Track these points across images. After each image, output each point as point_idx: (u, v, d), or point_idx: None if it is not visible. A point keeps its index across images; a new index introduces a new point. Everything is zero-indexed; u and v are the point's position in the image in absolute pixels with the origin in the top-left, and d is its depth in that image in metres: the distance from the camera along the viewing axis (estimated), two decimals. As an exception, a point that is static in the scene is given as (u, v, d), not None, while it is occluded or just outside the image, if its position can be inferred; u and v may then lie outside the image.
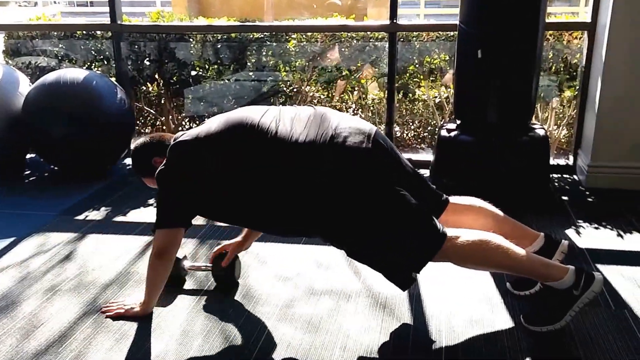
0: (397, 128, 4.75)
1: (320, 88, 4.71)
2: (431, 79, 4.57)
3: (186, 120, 4.95)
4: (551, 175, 3.78)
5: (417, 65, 4.53)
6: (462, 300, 2.27)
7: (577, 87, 3.87)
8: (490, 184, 3.25)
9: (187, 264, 2.50)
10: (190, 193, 2.08)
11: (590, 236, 2.84)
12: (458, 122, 3.46)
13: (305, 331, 2.08)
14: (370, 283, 2.39)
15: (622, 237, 2.83)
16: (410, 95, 4.61)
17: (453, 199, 2.27)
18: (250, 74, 4.80)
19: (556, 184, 3.66)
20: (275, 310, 2.22)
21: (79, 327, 2.13)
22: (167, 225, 2.10)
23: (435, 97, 4.61)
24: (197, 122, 4.82)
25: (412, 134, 4.84)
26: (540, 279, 2.06)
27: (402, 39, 4.43)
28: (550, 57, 4.19)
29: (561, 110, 4.42)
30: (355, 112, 4.76)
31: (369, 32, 4.53)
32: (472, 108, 3.34)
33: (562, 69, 4.22)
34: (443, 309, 2.22)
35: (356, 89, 4.69)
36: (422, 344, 2.01)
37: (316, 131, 1.97)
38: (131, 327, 2.13)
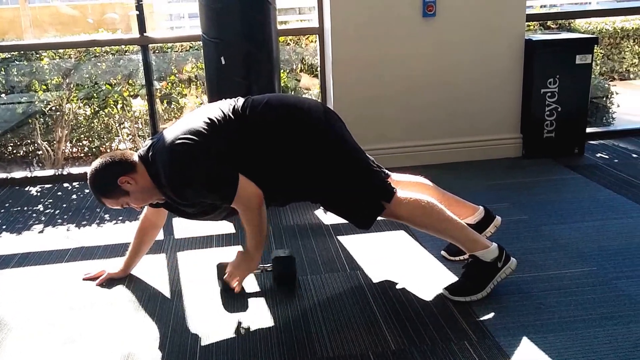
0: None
1: (81, 104, 4.64)
2: (193, 86, 4.77)
3: None
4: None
5: (177, 75, 4.69)
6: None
7: (319, 85, 4.34)
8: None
9: None
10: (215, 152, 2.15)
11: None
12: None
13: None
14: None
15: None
16: (175, 103, 4.76)
17: (394, 175, 2.50)
18: (3, 96, 4.55)
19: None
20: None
21: None
22: (235, 185, 2.13)
23: (202, 103, 4.81)
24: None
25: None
26: (469, 247, 2.30)
27: (157, 50, 4.56)
28: (293, 59, 4.65)
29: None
30: (121, 124, 4.78)
31: (123, 46, 4.58)
32: (225, 111, 3.60)
33: (304, 70, 4.70)
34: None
35: (119, 101, 4.70)
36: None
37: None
38: None
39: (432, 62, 3.90)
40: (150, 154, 2.22)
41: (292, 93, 4.81)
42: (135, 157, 2.25)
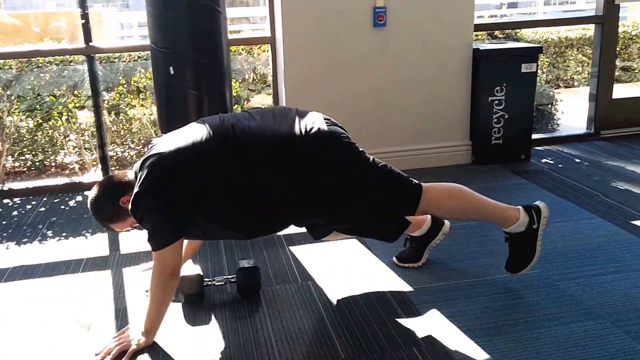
0: (118, 148, 4.78)
1: (23, 117, 4.51)
2: (141, 97, 4.69)
3: None
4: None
5: (125, 85, 4.61)
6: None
7: (272, 94, 4.34)
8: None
9: (206, 279, 2.47)
10: (180, 204, 2.05)
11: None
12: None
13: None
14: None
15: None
16: (123, 115, 4.68)
17: None
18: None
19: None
20: None
21: None
22: (172, 240, 2.04)
23: (152, 114, 4.74)
24: None
25: (133, 153, 4.90)
26: (502, 224, 2.33)
27: (104, 60, 4.48)
28: (246, 68, 4.63)
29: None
30: (66, 136, 4.67)
31: (68, 56, 4.48)
32: (175, 121, 3.55)
33: (257, 79, 4.69)
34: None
35: (64, 113, 4.59)
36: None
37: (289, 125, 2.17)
38: None
39: (383, 71, 3.95)
40: (140, 166, 2.14)
41: (245, 104, 4.79)
42: (131, 175, 2.20)
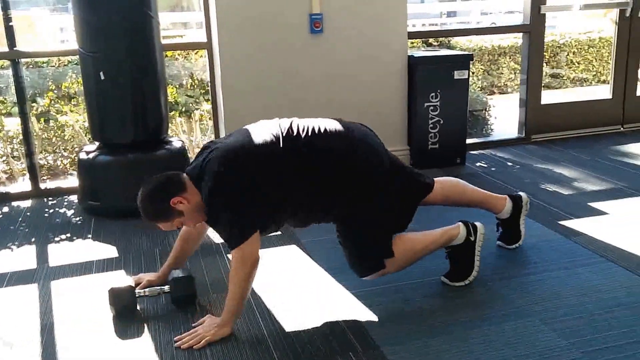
0: (50, 157, 4.61)
1: None
2: (73, 103, 4.55)
3: None
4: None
5: (55, 91, 4.46)
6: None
7: (210, 99, 4.29)
8: (135, 199, 3.40)
9: (138, 291, 2.37)
10: (255, 198, 2.11)
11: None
12: (97, 143, 3.54)
13: None
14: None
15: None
16: (54, 122, 4.51)
17: None
18: None
19: (202, 189, 3.99)
20: None
21: None
22: (250, 234, 2.09)
23: (85, 121, 4.59)
24: None
25: (66, 161, 4.74)
26: (448, 242, 2.46)
27: (32, 65, 4.31)
28: (183, 74, 4.56)
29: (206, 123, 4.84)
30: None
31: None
32: (107, 128, 3.45)
33: (195, 85, 4.62)
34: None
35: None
36: None
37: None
38: None
39: (321, 77, 3.96)
40: (199, 169, 2.18)
41: (182, 109, 4.72)
42: (185, 178, 2.21)
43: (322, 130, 2.25)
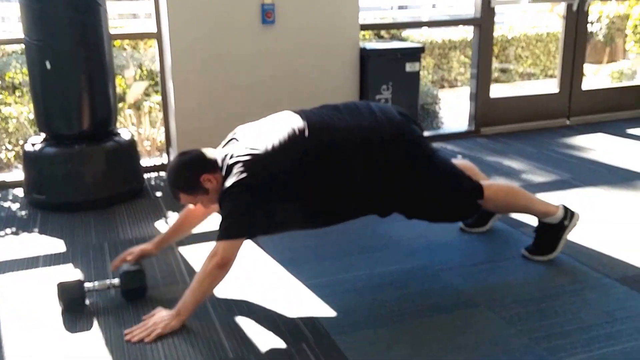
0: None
1: None
2: (17, 94, 4.39)
3: None
4: (148, 175, 4.04)
5: (-3, 81, 4.31)
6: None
7: (160, 91, 4.21)
8: (82, 192, 3.33)
9: (87, 285, 2.29)
10: (265, 209, 2.14)
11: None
12: (43, 135, 3.43)
13: None
14: None
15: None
16: (-3, 113, 4.36)
17: None
18: None
19: (152, 182, 3.92)
20: None
21: None
22: (235, 236, 2.10)
23: (30, 112, 4.44)
24: None
25: (12, 154, 4.58)
26: (543, 216, 2.56)
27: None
28: (131, 65, 4.46)
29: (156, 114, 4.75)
30: None
31: None
32: (53, 119, 3.35)
33: (145, 76, 4.53)
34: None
35: None
36: None
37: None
38: None
39: (273, 68, 3.94)
40: (227, 160, 2.20)
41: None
42: (217, 156, 2.26)
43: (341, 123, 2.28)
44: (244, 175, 2.11)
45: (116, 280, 2.35)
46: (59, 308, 2.27)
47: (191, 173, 2.22)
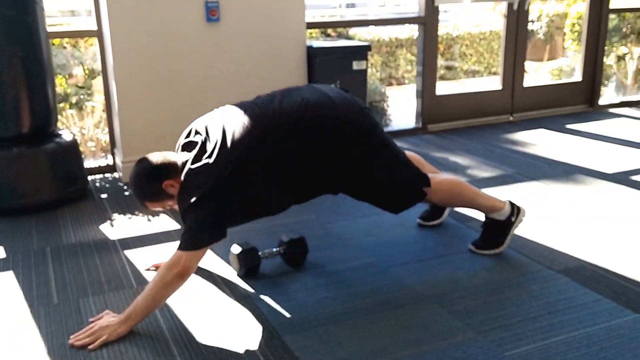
0: None
1: None
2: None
3: None
4: (93, 176, 3.93)
5: None
6: None
7: (103, 89, 4.09)
8: (22, 196, 3.20)
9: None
10: (228, 213, 2.16)
11: (122, 227, 3.08)
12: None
13: None
14: None
15: (150, 221, 3.15)
16: None
17: None
18: None
19: (97, 184, 3.82)
20: None
21: None
22: (200, 246, 2.08)
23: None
24: None
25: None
26: (489, 211, 2.60)
27: None
28: (72, 63, 4.32)
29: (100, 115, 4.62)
30: None
31: None
32: (-11, 121, 3.21)
33: (86, 75, 4.40)
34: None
35: None
36: None
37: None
38: None
39: (218, 67, 3.89)
40: (187, 166, 2.18)
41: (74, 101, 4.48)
42: (175, 159, 2.24)
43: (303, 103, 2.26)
44: (204, 188, 2.11)
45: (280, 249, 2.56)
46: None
47: (153, 182, 2.21)
